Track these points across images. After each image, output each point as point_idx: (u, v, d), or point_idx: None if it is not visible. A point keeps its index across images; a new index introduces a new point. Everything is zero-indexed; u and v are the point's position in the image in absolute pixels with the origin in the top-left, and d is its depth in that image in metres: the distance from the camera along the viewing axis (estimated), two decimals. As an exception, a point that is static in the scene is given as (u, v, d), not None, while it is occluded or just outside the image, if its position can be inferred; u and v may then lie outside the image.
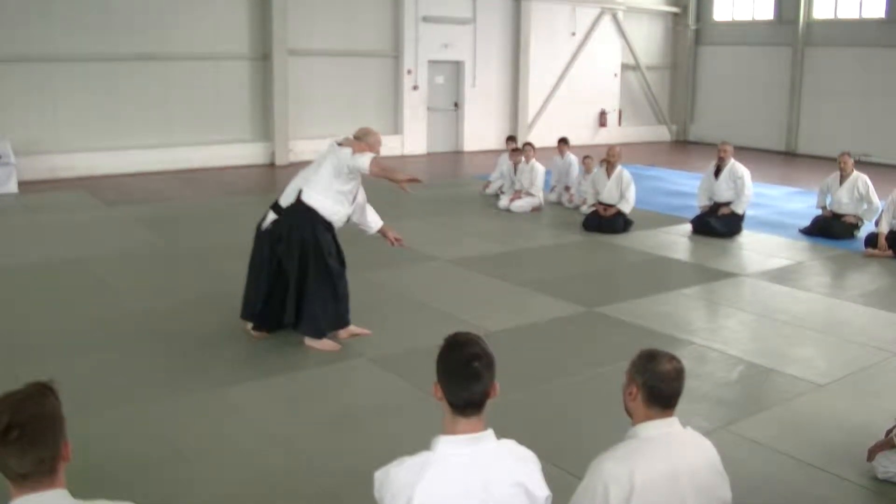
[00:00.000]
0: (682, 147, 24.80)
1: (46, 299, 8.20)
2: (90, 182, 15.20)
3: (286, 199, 6.85)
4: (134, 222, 11.89)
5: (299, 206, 6.64)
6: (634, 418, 3.09)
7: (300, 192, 6.67)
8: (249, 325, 7.07)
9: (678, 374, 3.05)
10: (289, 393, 6.06)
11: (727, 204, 11.88)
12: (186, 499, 4.55)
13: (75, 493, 2.37)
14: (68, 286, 8.66)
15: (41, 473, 2.28)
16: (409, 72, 20.16)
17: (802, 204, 14.21)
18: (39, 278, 8.93)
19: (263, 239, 6.89)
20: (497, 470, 2.67)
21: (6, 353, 6.61)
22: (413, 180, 6.49)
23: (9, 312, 7.76)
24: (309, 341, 6.83)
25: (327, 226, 6.73)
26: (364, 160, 6.35)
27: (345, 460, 4.98)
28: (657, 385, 3.01)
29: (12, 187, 14.11)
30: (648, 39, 25.44)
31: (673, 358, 3.08)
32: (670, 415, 3.06)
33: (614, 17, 23.99)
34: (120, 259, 9.77)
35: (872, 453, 4.89)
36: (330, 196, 6.63)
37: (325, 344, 6.83)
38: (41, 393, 2.33)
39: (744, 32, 24.49)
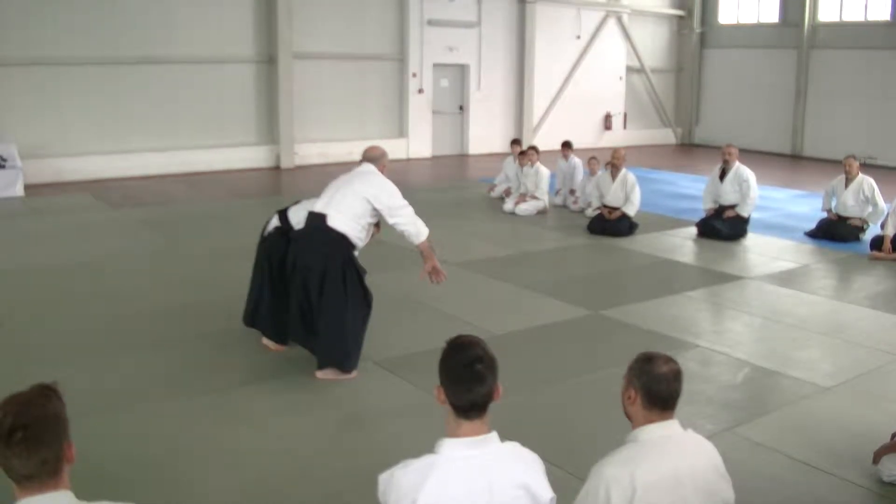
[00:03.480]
0: (687, 150, 24.79)
1: (51, 302, 8.22)
2: (95, 185, 15.24)
3: (298, 216, 6.63)
4: (139, 225, 11.91)
5: (331, 234, 6.22)
6: (634, 422, 3.09)
7: (326, 217, 6.23)
8: (266, 340, 6.92)
9: (676, 376, 3.05)
10: (293, 396, 6.06)
11: (732, 207, 11.86)
12: (189, 501, 4.55)
13: (79, 495, 2.38)
14: (73, 289, 8.68)
15: (45, 475, 2.29)
16: (414, 75, 20.18)
17: (808, 207, 14.19)
18: (45, 281, 8.95)
19: (271, 247, 6.78)
20: (501, 472, 2.68)
21: (12, 355, 6.63)
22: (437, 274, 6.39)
23: (15, 315, 7.77)
24: (322, 374, 6.38)
25: (352, 249, 6.38)
26: (424, 234, 6.30)
27: (349, 463, 4.98)
28: (655, 387, 3.01)
29: (18, 190, 14.16)
30: (653, 42, 25.45)
31: (670, 360, 3.09)
32: (670, 417, 3.06)
33: (619, 19, 24.00)
34: (125, 262, 9.79)
35: (878, 456, 4.88)
36: (360, 223, 6.30)
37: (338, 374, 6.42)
38: (45, 395, 2.34)
39: (749, 35, 24.48)
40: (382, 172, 6.51)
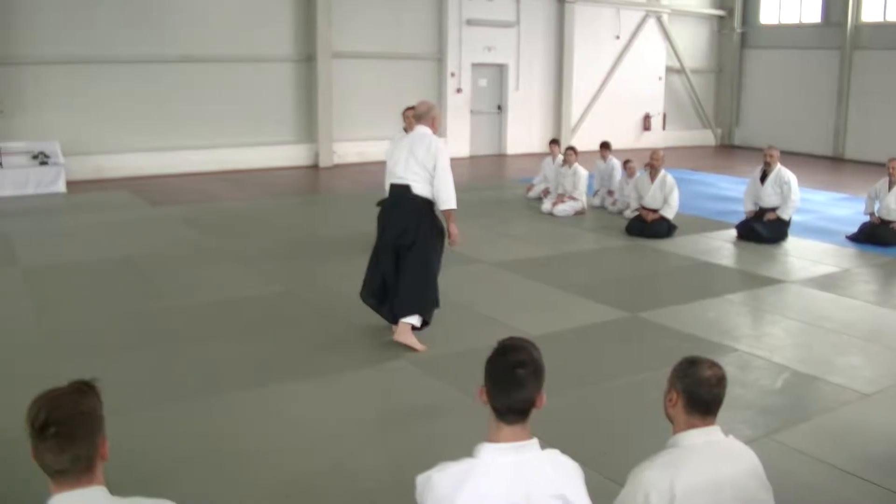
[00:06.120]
0: (728, 151, 24.55)
1: (92, 298, 8.31)
2: (135, 182, 15.41)
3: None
4: (178, 222, 12.01)
5: (417, 200, 6.84)
6: (675, 426, 3.05)
7: (409, 187, 6.82)
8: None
9: (719, 381, 3.01)
10: (330, 395, 6.07)
11: (773, 209, 11.73)
12: (224, 498, 4.56)
13: (113, 490, 2.39)
14: (113, 285, 8.76)
15: (78, 471, 2.30)
16: (453, 75, 20.19)
17: (850, 210, 14.00)
18: (85, 277, 9.06)
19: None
20: (539, 480, 2.64)
21: (51, 351, 6.72)
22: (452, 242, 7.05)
23: (55, 310, 7.87)
24: (399, 336, 6.89)
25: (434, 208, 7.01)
26: (453, 204, 6.83)
27: (385, 463, 4.97)
28: (697, 391, 2.98)
29: (61, 187, 14.38)
30: (693, 42, 25.24)
31: (714, 364, 3.05)
32: (712, 422, 3.02)
33: (659, 19, 23.84)
34: (165, 258, 9.88)
35: (920, 465, 4.80)
36: (430, 181, 6.87)
37: (415, 341, 6.92)
38: (81, 391, 2.35)
39: (790, 35, 24.19)
40: (434, 125, 7.03)
